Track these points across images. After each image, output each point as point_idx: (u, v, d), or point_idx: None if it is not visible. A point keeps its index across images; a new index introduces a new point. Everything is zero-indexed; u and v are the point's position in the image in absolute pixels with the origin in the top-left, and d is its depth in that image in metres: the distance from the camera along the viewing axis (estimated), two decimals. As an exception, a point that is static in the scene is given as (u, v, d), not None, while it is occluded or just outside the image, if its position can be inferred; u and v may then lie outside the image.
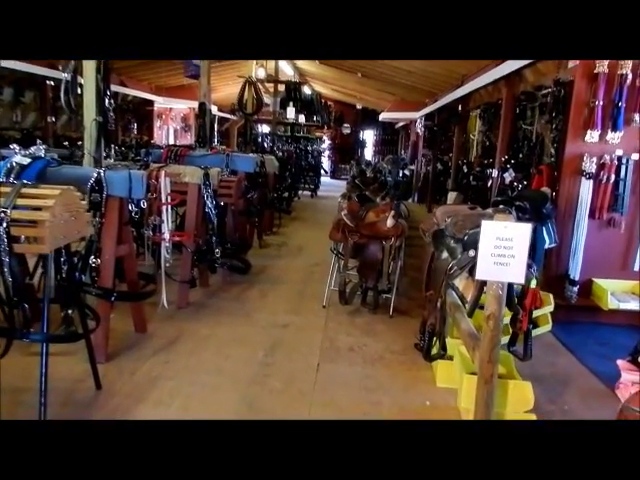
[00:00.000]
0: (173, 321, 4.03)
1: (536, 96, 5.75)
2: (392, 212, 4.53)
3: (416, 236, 5.76)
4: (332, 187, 15.48)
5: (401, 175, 12.15)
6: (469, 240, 2.53)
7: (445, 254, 2.77)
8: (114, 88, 10.68)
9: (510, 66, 5.87)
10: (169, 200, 4.08)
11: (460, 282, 2.68)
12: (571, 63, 4.47)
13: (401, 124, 17.51)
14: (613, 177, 4.31)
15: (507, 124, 6.52)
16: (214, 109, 13.36)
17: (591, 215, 4.41)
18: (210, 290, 4.89)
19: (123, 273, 3.60)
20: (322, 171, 16.99)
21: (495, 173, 6.61)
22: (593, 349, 3.99)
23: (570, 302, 4.44)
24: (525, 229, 2.33)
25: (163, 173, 4.04)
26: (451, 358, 3.17)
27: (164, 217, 4.05)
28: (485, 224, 2.32)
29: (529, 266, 2.40)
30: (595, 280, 4.50)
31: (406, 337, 3.94)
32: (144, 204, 3.62)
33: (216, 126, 14.59)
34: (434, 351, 2.97)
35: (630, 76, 4.14)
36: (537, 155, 5.71)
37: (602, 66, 4.14)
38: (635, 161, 4.30)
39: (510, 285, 2.41)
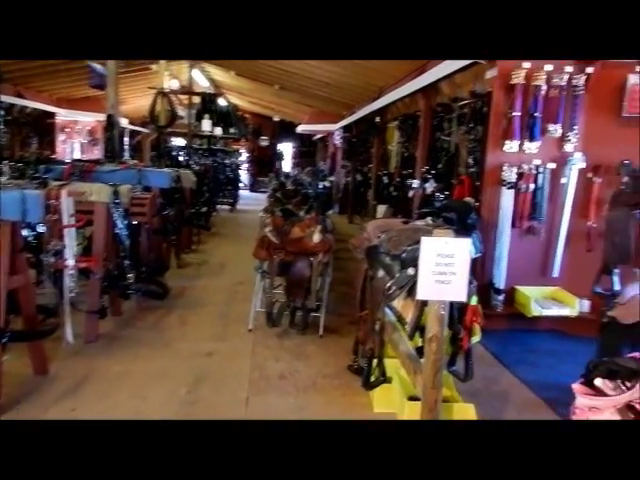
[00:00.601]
0: (80, 358, 3.57)
1: (453, 107, 5.84)
2: (318, 226, 4.36)
3: (342, 249, 5.66)
4: (252, 200, 15.16)
5: (321, 187, 12.12)
6: (407, 257, 2.39)
7: (381, 272, 2.61)
8: (9, 99, 9.79)
9: (427, 78, 5.93)
10: (72, 222, 3.64)
11: (398, 301, 2.52)
12: (488, 74, 4.54)
13: (319, 136, 17.57)
14: (532, 186, 4.40)
15: (426, 135, 6.59)
16: (124, 122, 12.64)
17: (512, 224, 4.48)
18: (123, 319, 4.44)
19: (18, 307, 3.14)
20: (241, 184, 16.64)
21: (416, 183, 6.65)
22: (521, 357, 4.01)
23: (496, 311, 4.47)
24: (465, 244, 2.22)
25: (65, 192, 3.60)
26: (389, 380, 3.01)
27: (67, 241, 3.60)
28: (425, 241, 2.18)
29: (469, 282, 2.29)
30: (518, 288, 4.56)
31: (338, 358, 3.75)
32: (43, 227, 3.19)
33: (127, 140, 13.80)
34: (374, 377, 2.79)
35: (544, 87, 4.25)
36: (456, 165, 5.79)
37: (518, 77, 4.23)
38: (552, 170, 4.41)
39: (450, 303, 2.29)
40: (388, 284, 2.45)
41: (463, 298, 2.20)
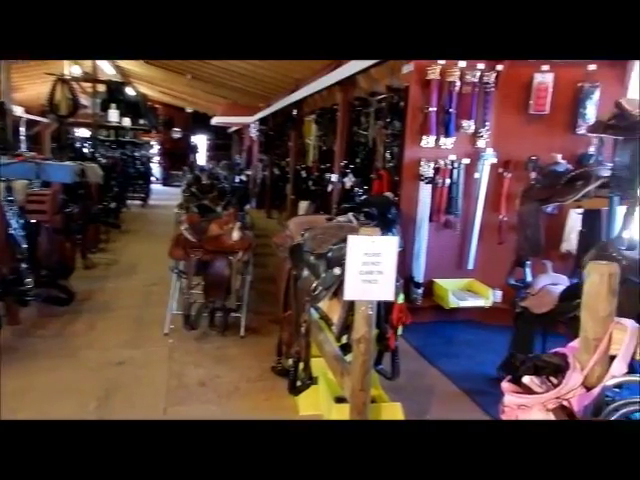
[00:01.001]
0: (-30, 375, 3.18)
1: (370, 102, 5.85)
2: (237, 223, 4.19)
3: (262, 244, 5.51)
4: (165, 195, 14.55)
5: (238, 181, 11.84)
6: (333, 256, 2.30)
7: (306, 272, 2.51)
8: None
9: (343, 72, 5.91)
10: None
11: (324, 301, 2.44)
12: (405, 69, 4.57)
13: (235, 128, 17.18)
14: (448, 181, 4.50)
15: (344, 129, 6.58)
16: (19, 110, 11.61)
17: (430, 218, 4.55)
18: (21, 329, 4.02)
19: None
20: (153, 178, 15.90)
21: (335, 178, 6.63)
22: (442, 349, 4.09)
23: (416, 304, 4.53)
24: (393, 242, 2.17)
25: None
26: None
27: (-51, 244, 3.19)
28: (351, 239, 2.10)
29: (396, 280, 2.25)
30: (436, 281, 4.66)
31: (262, 359, 3.62)
32: None
33: (23, 130, 12.70)
34: (300, 380, 2.69)
35: (458, 83, 4.34)
36: (374, 160, 5.82)
37: (434, 73, 4.28)
38: (466, 165, 4.53)
39: (378, 302, 2.23)
40: (314, 285, 2.36)
41: (391, 297, 2.15)
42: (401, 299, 2.35)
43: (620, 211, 2.99)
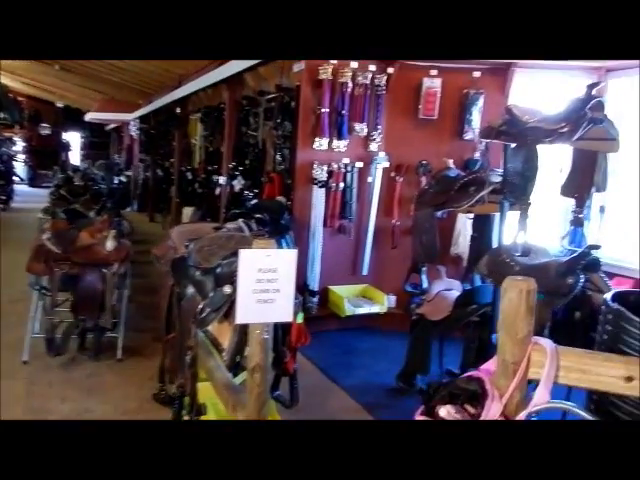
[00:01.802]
0: None
1: (259, 101, 5.59)
2: (112, 231, 3.71)
3: (143, 251, 5.00)
4: (31, 197, 13.08)
5: (116, 182, 10.97)
6: (223, 273, 2.00)
7: (191, 290, 2.18)
8: None
9: (230, 69, 5.58)
10: None
11: (213, 324, 2.12)
12: (296, 68, 4.37)
13: (113, 125, 15.99)
14: (342, 185, 4.36)
15: (231, 129, 6.24)
16: None
17: (324, 223, 4.39)
18: None
19: None
20: (16, 178, 14.28)
21: (223, 180, 6.27)
22: (338, 360, 3.93)
23: (311, 313, 4.34)
24: (291, 256, 1.91)
25: None
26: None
27: None
28: (243, 254, 1.81)
29: (295, 297, 2.01)
30: (331, 288, 4.51)
31: (141, 386, 3.20)
32: None
33: None
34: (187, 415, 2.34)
35: (350, 85, 4.22)
36: (264, 162, 5.56)
37: (326, 72, 4.12)
38: (359, 169, 4.43)
39: (275, 324, 1.98)
40: (200, 305, 2.04)
41: (289, 318, 1.90)
42: (300, 318, 2.12)
43: (511, 216, 3.01)
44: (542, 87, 4.49)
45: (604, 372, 1.39)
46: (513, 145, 2.80)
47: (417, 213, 3.50)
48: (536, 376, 1.44)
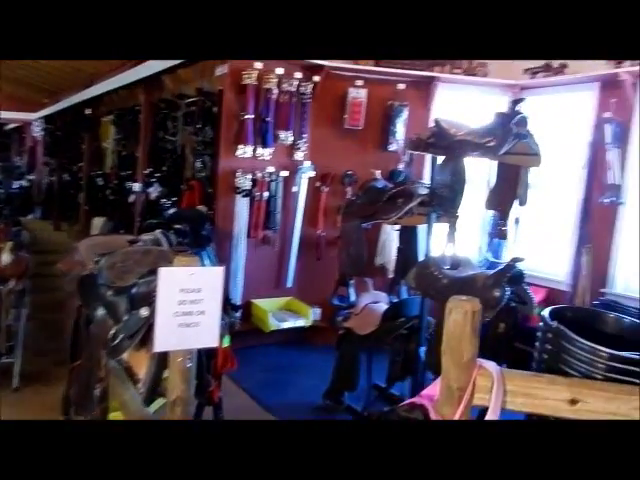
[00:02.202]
0: None
1: (178, 105, 5.31)
2: (9, 243, 3.32)
3: (46, 262, 4.54)
4: None
5: (17, 186, 10.09)
6: (139, 293, 1.79)
7: (102, 312, 1.94)
8: None
9: (146, 70, 5.27)
10: None
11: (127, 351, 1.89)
12: (218, 71, 4.17)
13: (13, 125, 14.75)
14: (266, 194, 4.21)
15: (147, 133, 5.88)
16: None
17: (248, 234, 4.22)
18: None
19: None
20: None
21: (138, 187, 5.89)
22: (263, 379, 3.76)
23: (234, 329, 4.13)
24: (217, 274, 1.74)
25: None
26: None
27: None
28: (164, 273, 1.62)
29: (221, 318, 1.83)
30: (254, 302, 4.33)
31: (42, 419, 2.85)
32: None
33: None
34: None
35: (275, 91, 4.09)
36: (183, 169, 5.29)
37: (250, 78, 3.97)
38: (284, 178, 4.30)
39: (198, 350, 1.79)
40: (113, 330, 1.80)
41: (215, 342, 1.73)
42: (227, 342, 1.94)
43: (439, 229, 3.01)
44: (462, 102, 4.61)
45: (549, 395, 1.34)
46: (441, 158, 2.79)
47: (344, 225, 3.43)
48: (481, 402, 1.37)
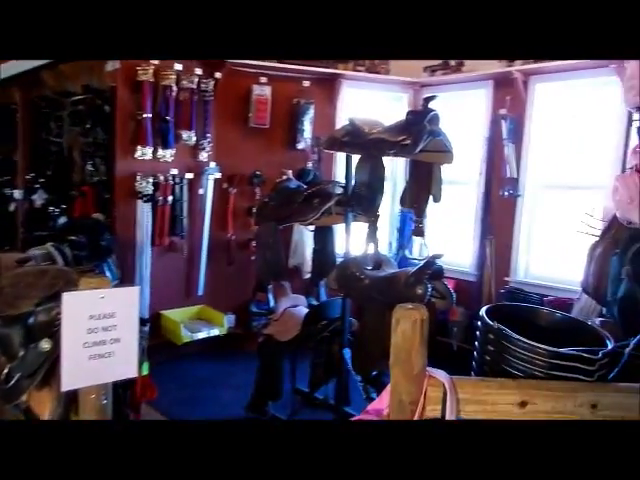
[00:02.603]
0: None
1: (62, 103, 4.83)
2: None
3: None
4: None
5: None
6: (38, 323, 1.53)
7: (-11, 348, 1.64)
8: None
9: (20, 65, 4.73)
10: None
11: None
12: (109, 66, 3.82)
13: None
14: (170, 198, 3.94)
15: (27, 134, 5.31)
16: None
17: (153, 241, 3.93)
18: None
19: None
20: None
21: (19, 194, 5.30)
22: (177, 396, 3.50)
23: (142, 345, 3.83)
24: (132, 295, 1.54)
25: None
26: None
27: None
28: (68, 298, 1.39)
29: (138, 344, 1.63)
30: (164, 313, 4.06)
31: None
32: None
33: None
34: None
35: (175, 88, 3.84)
36: (71, 173, 4.82)
37: (146, 74, 3.68)
38: (189, 180, 4.06)
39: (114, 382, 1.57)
40: (6, 369, 1.53)
41: (134, 373, 1.52)
42: (146, 369, 1.73)
43: (358, 228, 2.98)
44: (366, 99, 4.64)
45: (500, 400, 1.32)
46: (358, 156, 2.75)
47: (259, 228, 3.29)
48: (434, 414, 1.31)
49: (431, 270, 2.61)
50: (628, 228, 2.60)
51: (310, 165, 4.40)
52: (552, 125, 3.96)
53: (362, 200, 2.71)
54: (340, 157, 4.46)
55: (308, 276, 4.25)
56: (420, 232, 2.96)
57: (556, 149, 3.97)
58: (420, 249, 4.31)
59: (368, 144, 2.67)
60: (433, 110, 2.64)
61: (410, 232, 4.62)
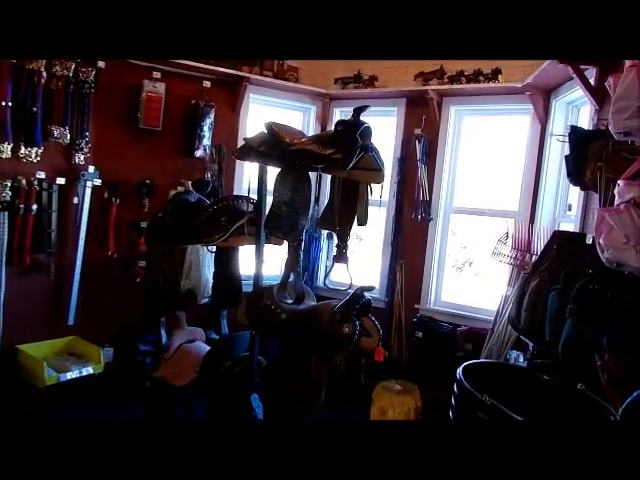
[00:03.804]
0: None
1: None
2: None
3: None
4: None
5: None
6: None
7: None
8: None
9: None
10: None
11: None
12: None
13: None
14: (35, 207, 3.22)
15: None
16: None
17: (9, 260, 3.17)
18: None
19: None
20: None
21: None
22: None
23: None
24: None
25: None
26: None
27: None
28: None
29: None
30: (22, 348, 3.30)
31: None
32: None
33: None
34: None
35: (45, 75, 3.16)
36: None
37: (9, 53, 2.96)
38: (61, 186, 3.37)
39: None
40: None
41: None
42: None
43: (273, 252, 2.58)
44: (271, 108, 4.27)
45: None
46: (276, 169, 2.35)
47: (150, 248, 2.75)
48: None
49: (359, 305, 2.29)
50: (565, 262, 2.50)
51: (209, 176, 3.91)
52: (465, 148, 3.88)
53: (282, 221, 2.30)
54: (246, 168, 4.04)
55: (205, 301, 3.76)
56: (343, 258, 2.61)
57: (468, 173, 3.90)
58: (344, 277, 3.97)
59: (291, 156, 2.28)
60: (365, 122, 2.33)
61: (318, 255, 4.32)
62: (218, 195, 3.90)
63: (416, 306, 3.89)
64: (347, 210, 2.50)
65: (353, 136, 2.24)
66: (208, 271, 3.69)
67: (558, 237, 2.47)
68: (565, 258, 2.36)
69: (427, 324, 3.76)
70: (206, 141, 3.82)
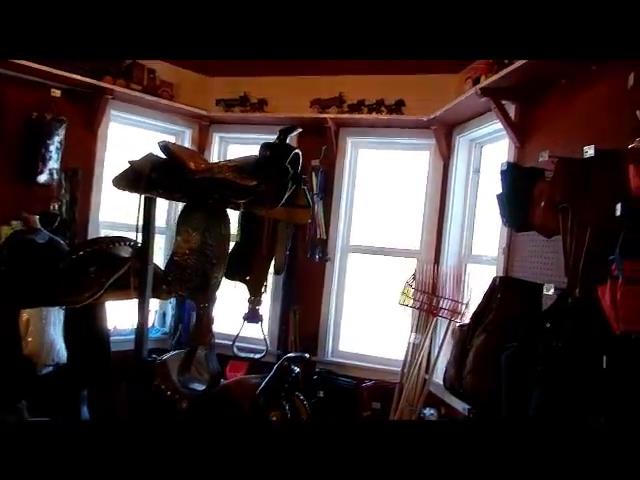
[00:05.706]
0: None
1: None
2: None
3: None
4: None
5: None
6: None
7: None
8: None
9: None
10: None
11: None
12: None
13: None
14: None
15: None
16: None
17: None
18: None
19: None
20: None
21: None
22: None
23: None
24: None
25: None
26: None
27: None
28: None
29: None
30: None
31: None
32: None
33: None
34: None
35: None
36: None
37: None
38: None
39: None
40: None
41: None
42: None
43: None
44: (137, 129, 3.57)
45: None
46: (183, 205, 1.75)
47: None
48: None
49: (288, 383, 1.78)
50: (513, 314, 2.23)
51: (56, 207, 3.07)
52: (363, 183, 3.59)
53: (189, 274, 1.70)
54: (108, 199, 3.27)
55: (47, 371, 2.88)
56: (255, 317, 2.07)
57: (368, 209, 3.60)
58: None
59: (199, 187, 1.71)
60: (295, 147, 1.86)
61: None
62: (71, 231, 3.08)
63: (313, 359, 3.43)
64: (262, 256, 1.98)
65: (282, 164, 1.75)
66: (54, 330, 2.85)
67: (500, 284, 2.20)
68: (512, 309, 2.10)
69: (327, 380, 3.32)
70: (53, 164, 2.99)
